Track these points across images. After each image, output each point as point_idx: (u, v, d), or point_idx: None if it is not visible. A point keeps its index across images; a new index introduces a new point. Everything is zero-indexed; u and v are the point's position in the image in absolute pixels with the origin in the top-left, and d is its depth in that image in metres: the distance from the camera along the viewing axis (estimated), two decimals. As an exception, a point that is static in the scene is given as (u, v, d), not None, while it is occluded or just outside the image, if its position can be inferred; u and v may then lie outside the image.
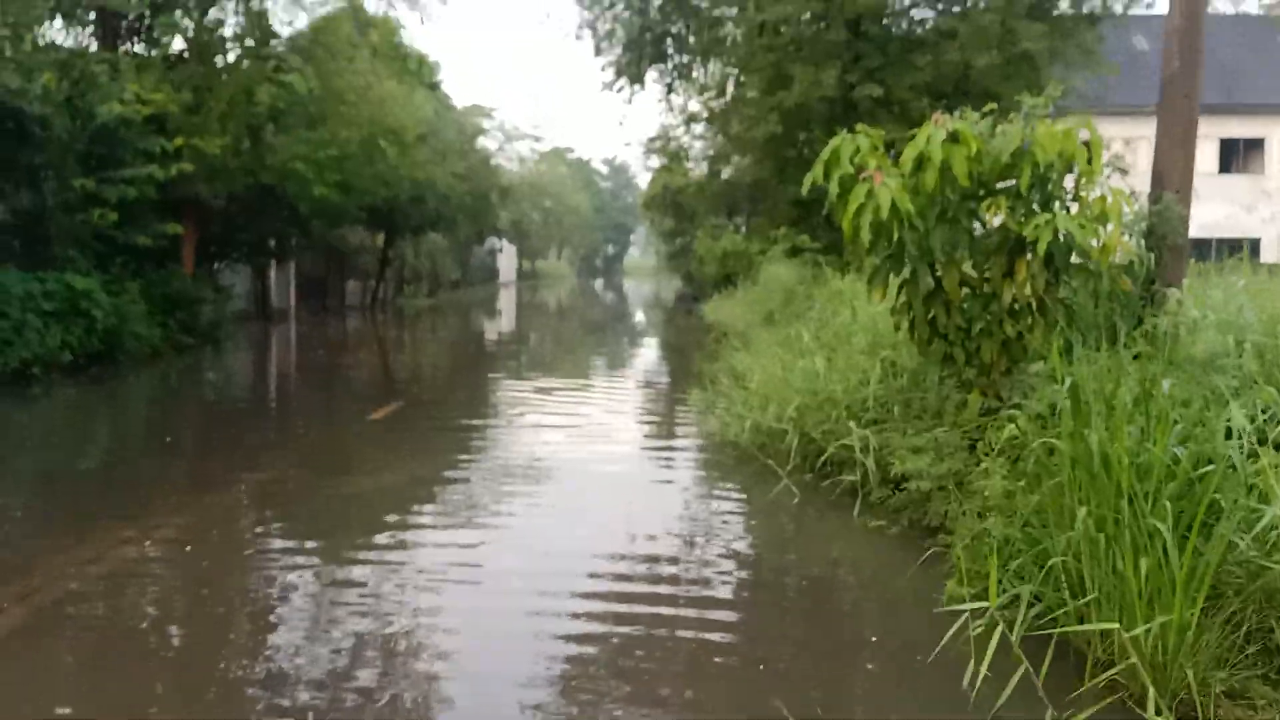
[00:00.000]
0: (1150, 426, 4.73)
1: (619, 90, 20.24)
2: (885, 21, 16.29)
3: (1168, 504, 4.17)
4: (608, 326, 30.86)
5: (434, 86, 29.45)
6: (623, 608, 5.06)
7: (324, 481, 7.81)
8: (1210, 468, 4.24)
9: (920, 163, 6.51)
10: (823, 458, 7.57)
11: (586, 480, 8.21)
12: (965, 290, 6.88)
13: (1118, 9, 17.16)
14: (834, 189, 6.82)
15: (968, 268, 6.98)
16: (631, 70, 19.87)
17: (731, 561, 6.11)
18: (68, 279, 12.89)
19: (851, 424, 7.17)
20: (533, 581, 5.36)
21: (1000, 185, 6.67)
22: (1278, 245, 32.52)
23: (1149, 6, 17.88)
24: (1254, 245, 30.12)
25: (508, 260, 63.17)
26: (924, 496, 6.16)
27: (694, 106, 21.60)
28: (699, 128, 21.87)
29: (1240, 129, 31.78)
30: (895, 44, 15.72)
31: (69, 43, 16.97)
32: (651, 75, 20.41)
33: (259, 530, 6.47)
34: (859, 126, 6.97)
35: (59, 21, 17.01)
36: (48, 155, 12.25)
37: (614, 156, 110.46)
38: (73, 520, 6.49)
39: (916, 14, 16.84)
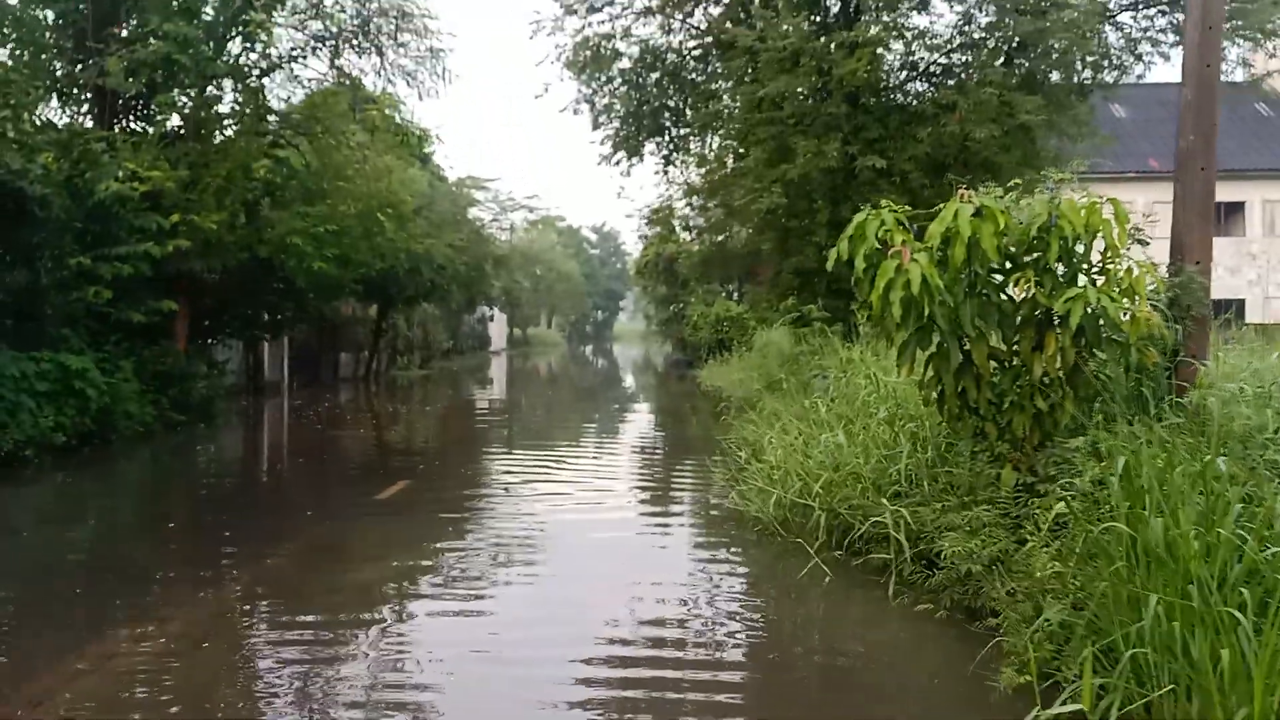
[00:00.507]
0: (1210, 507, 4.59)
1: (616, 163, 20.38)
2: (883, 95, 16.49)
3: (1244, 590, 4.02)
4: (605, 394, 30.70)
5: (426, 159, 29.61)
6: (655, 695, 4.84)
7: (342, 568, 7.55)
8: (1280, 550, 4.10)
9: (947, 238, 6.45)
10: (851, 535, 7.40)
11: (607, 559, 7.98)
12: (994, 364, 6.79)
13: (1108, 79, 17.45)
14: (860, 264, 6.73)
15: (996, 341, 6.90)
16: (629, 144, 20.02)
17: (776, 647, 5.89)
18: (62, 358, 12.68)
19: (883, 500, 7.00)
20: (554, 668, 5.13)
21: (1026, 259, 6.62)
22: (1262, 307, 32.92)
23: (1140, 78, 18.15)
24: (1239, 306, 30.45)
25: (499, 328, 63.20)
26: (964, 577, 5.97)
27: (692, 178, 21.75)
28: (696, 198, 21.93)
29: (1221, 193, 32.26)
30: (895, 116, 15.88)
31: (64, 121, 16.99)
32: (649, 147, 20.58)
33: (274, 623, 6.18)
34: (883, 201, 6.91)
35: (55, 100, 17.07)
36: (46, 234, 12.13)
37: (603, 223, 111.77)
38: (80, 616, 6.22)
39: (913, 88, 17.07)
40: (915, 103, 16.69)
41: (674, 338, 47.19)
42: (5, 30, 15.75)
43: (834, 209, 15.87)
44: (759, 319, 23.06)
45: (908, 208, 6.93)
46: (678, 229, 25.60)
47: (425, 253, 25.21)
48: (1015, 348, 6.78)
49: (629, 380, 39.45)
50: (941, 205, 6.75)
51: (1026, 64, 16.82)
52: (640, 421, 22.07)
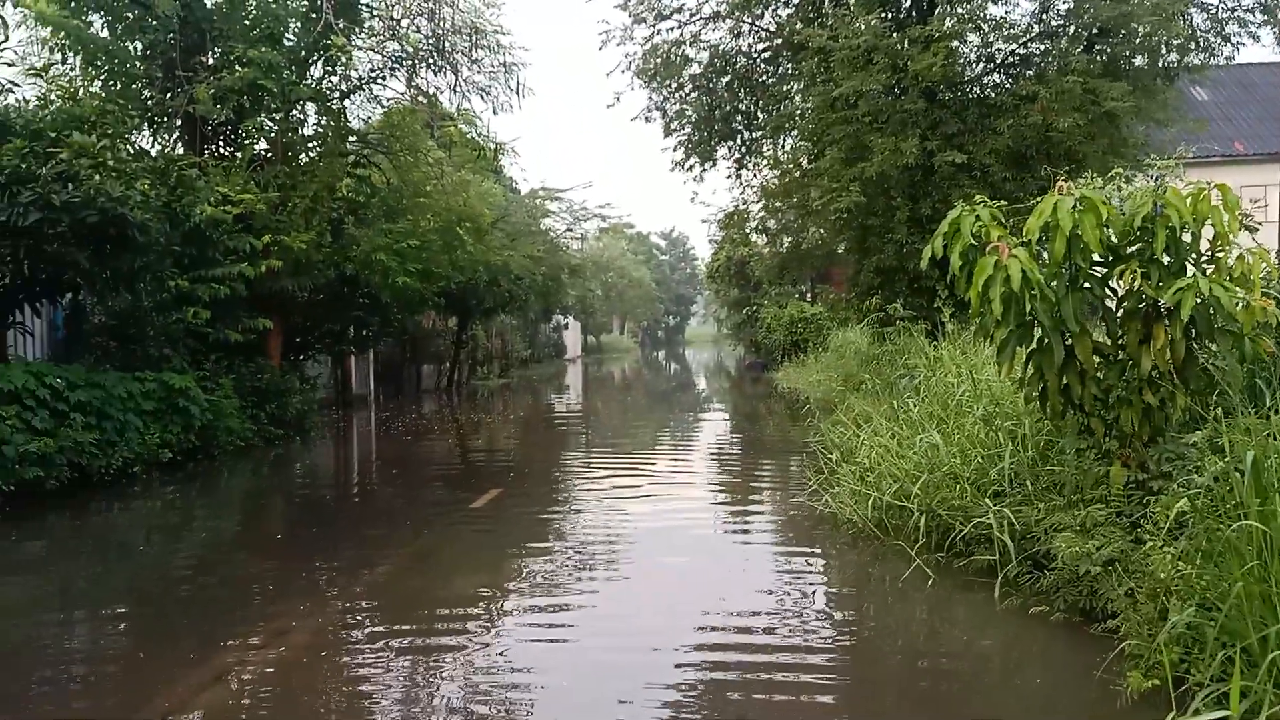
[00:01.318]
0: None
1: (689, 169, 20.41)
2: (960, 89, 16.24)
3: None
4: (682, 398, 30.72)
5: (499, 171, 29.99)
6: (755, 696, 4.84)
7: (443, 576, 7.70)
8: None
9: (1046, 231, 6.35)
10: (951, 536, 7.31)
11: (696, 563, 8.00)
12: (1099, 359, 6.65)
13: (1195, 62, 16.94)
14: (956, 261, 6.66)
15: (1100, 335, 6.76)
16: (701, 149, 20.05)
17: (884, 651, 5.85)
18: (165, 377, 13.14)
19: (986, 501, 6.90)
20: (649, 671, 5.17)
21: (1130, 250, 6.46)
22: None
23: (1229, 60, 17.57)
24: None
25: (573, 336, 63.67)
26: (1078, 578, 5.85)
27: (766, 180, 21.65)
28: (770, 201, 21.85)
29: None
30: (973, 110, 15.62)
31: (156, 149, 17.63)
32: (721, 152, 20.56)
33: (380, 631, 6.33)
34: (978, 196, 6.82)
35: (147, 129, 17.73)
36: (147, 259, 12.57)
37: (671, 229, 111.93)
38: (198, 628, 6.45)
39: (991, 80, 16.78)
40: (994, 95, 16.39)
41: (747, 341, 47.02)
42: (99, 62, 16.40)
43: (913, 206, 15.68)
44: (837, 320, 22.87)
45: (1001, 202, 6.83)
46: (750, 232, 25.50)
47: (503, 264, 25.56)
48: (1121, 341, 6.64)
49: (704, 384, 39.40)
50: (1034, 199, 6.65)
51: (1109, 50, 16.42)
52: (719, 424, 22.04)
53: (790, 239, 23.56)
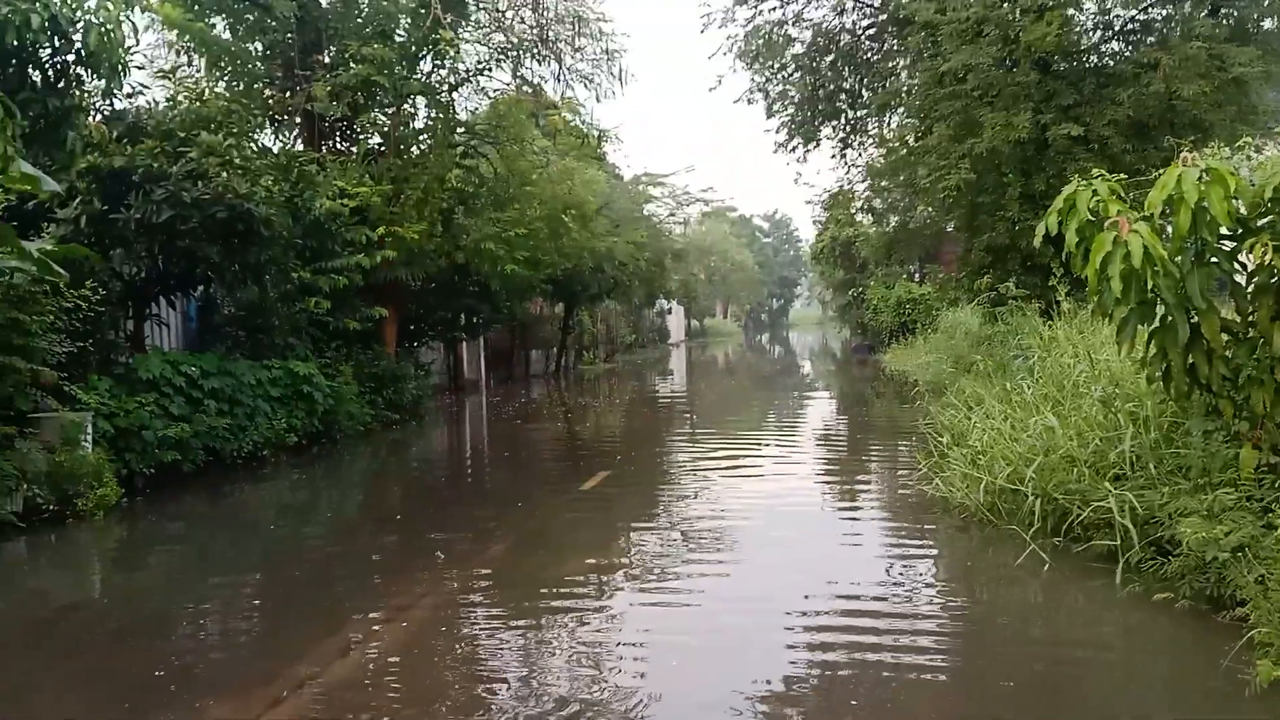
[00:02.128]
0: None
1: (792, 150, 20.23)
2: (1075, 58, 15.67)
3: None
4: (787, 381, 30.52)
5: (602, 159, 30.21)
6: (868, 682, 4.84)
7: (556, 559, 7.90)
8: None
9: (1169, 204, 6.13)
10: (1068, 521, 7.14)
11: (804, 546, 8.00)
12: (1227, 337, 6.39)
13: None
14: (1072, 238, 6.48)
15: (1229, 312, 6.50)
16: (805, 130, 19.83)
17: (1002, 637, 5.76)
18: (290, 365, 13.75)
19: (1106, 484, 6.72)
20: (779, 655, 5.22)
21: (1261, 222, 6.19)
22: None
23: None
24: None
25: (677, 320, 63.81)
26: (1204, 564, 5.66)
27: (872, 159, 21.32)
28: (876, 180, 21.49)
29: None
30: (1090, 80, 15.05)
31: (277, 146, 18.37)
32: (825, 132, 20.31)
33: (497, 609, 6.55)
34: (1095, 170, 6.62)
35: (268, 127, 18.48)
36: (271, 252, 13.15)
37: (774, 211, 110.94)
38: (326, 602, 6.77)
39: (1109, 48, 16.14)
40: (1112, 64, 15.75)
41: (853, 323, 46.36)
42: (222, 64, 17.17)
43: (1026, 182, 15.22)
44: (947, 300, 22.36)
45: (1121, 175, 6.62)
46: (856, 212, 25.14)
47: (607, 251, 25.82)
48: (1251, 319, 6.36)
49: (810, 367, 39.03)
50: (1156, 171, 6.42)
51: (1236, 12, 15.62)
52: (826, 408, 21.86)
53: (897, 218, 23.13)
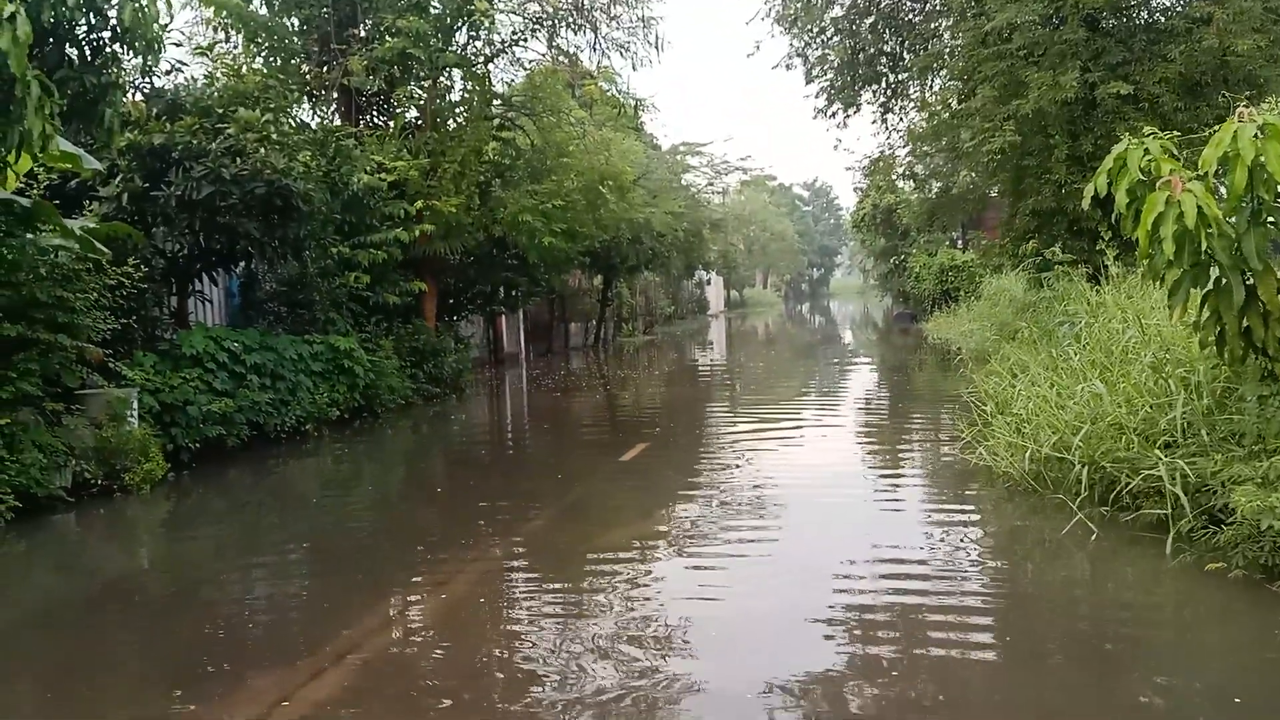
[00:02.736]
0: None
1: (832, 115, 19.88)
2: (1125, 14, 15.20)
3: None
4: (828, 351, 30.28)
5: (639, 129, 30.00)
6: (913, 654, 4.76)
7: (596, 530, 7.90)
8: None
9: (1225, 162, 5.91)
10: (1116, 489, 6.99)
11: (846, 515, 7.90)
12: (1285, 299, 6.18)
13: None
14: (1122, 198, 6.29)
15: (1286, 274, 6.28)
16: (845, 95, 19.47)
17: (1050, 606, 5.65)
18: (331, 340, 13.84)
19: (1156, 452, 6.55)
20: (794, 626, 5.16)
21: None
22: None
23: None
24: None
25: (716, 291, 63.54)
26: (1259, 533, 5.50)
27: (914, 123, 20.90)
28: (918, 145, 21.07)
29: None
30: (1140, 37, 14.60)
31: (315, 121, 18.44)
32: (865, 96, 19.94)
33: (537, 580, 6.56)
34: (1147, 129, 6.41)
35: (306, 102, 18.54)
36: (310, 227, 13.21)
37: (814, 179, 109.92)
38: (369, 574, 6.82)
39: (1159, 3, 15.63)
40: (1163, 19, 15.26)
41: (894, 291, 45.84)
42: (259, 39, 17.21)
43: (1073, 143, 14.83)
44: (991, 266, 21.97)
45: (1174, 133, 6.40)
46: (897, 178, 24.70)
47: (645, 222, 25.67)
48: (1310, 280, 6.15)
49: (851, 337, 38.71)
50: (1209, 130, 6.20)
51: (1294, -37, 15.05)
52: (867, 377, 21.64)
53: (939, 184, 22.70)
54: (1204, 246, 5.89)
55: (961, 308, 32.28)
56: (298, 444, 12.41)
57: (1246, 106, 6.14)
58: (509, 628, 5.58)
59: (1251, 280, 6.10)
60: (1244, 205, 6.01)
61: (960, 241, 37.68)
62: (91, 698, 4.77)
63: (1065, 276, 14.79)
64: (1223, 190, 6.11)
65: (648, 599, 5.90)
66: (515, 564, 6.99)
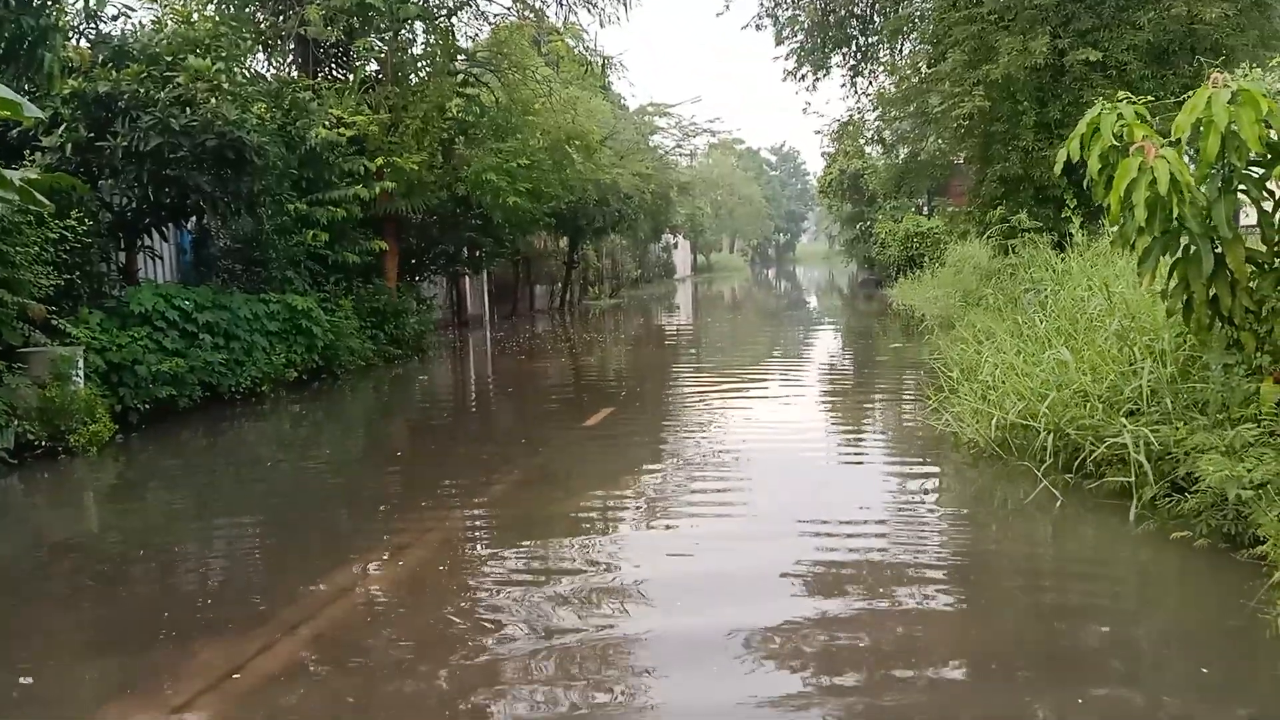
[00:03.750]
0: None
1: (801, 78, 19.66)
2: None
3: None
4: (794, 316, 30.29)
5: (607, 88, 29.57)
6: (874, 627, 4.69)
7: (562, 493, 7.76)
8: None
9: (1197, 128, 5.82)
10: (1080, 457, 6.96)
11: (814, 482, 7.83)
12: (1252, 268, 6.13)
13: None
14: (1093, 164, 6.19)
15: (1254, 242, 6.22)
16: (815, 57, 19.26)
17: (1014, 574, 5.61)
18: (288, 299, 13.52)
19: (1122, 420, 6.51)
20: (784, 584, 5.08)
21: (1292, 147, 5.89)
22: None
23: None
24: None
25: (683, 255, 63.31)
26: (1221, 501, 5.47)
27: (884, 86, 20.75)
28: (887, 110, 20.94)
29: None
30: (1109, 3, 14.51)
31: (271, 73, 17.91)
32: (835, 60, 19.74)
33: (501, 545, 6.42)
34: (1119, 94, 6.30)
35: (261, 53, 17.99)
36: (265, 182, 12.84)
37: (782, 144, 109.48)
38: (325, 540, 6.64)
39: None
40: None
41: (860, 257, 45.88)
42: (210, -17, 16.63)
43: (1041, 110, 14.77)
44: (958, 233, 21.96)
45: (1149, 98, 6.29)
46: (865, 143, 24.57)
47: (612, 183, 25.37)
48: (1278, 248, 6.10)
49: (817, 302, 38.76)
50: (1176, 98, 6.12)
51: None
52: (833, 343, 21.63)
53: (907, 149, 22.59)
54: (1175, 214, 5.79)
55: (926, 274, 32.40)
56: (253, 405, 12.13)
57: (1220, 72, 6.03)
58: (469, 595, 5.43)
59: (1220, 249, 6.04)
60: (1215, 172, 5.93)
61: (926, 208, 37.70)
62: (29, 670, 4.56)
63: (1031, 244, 14.76)
64: (1194, 156, 6.02)
65: (609, 570, 5.78)
66: (477, 530, 6.84)
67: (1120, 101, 6.21)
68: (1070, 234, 13.79)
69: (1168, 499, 6.03)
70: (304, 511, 7.53)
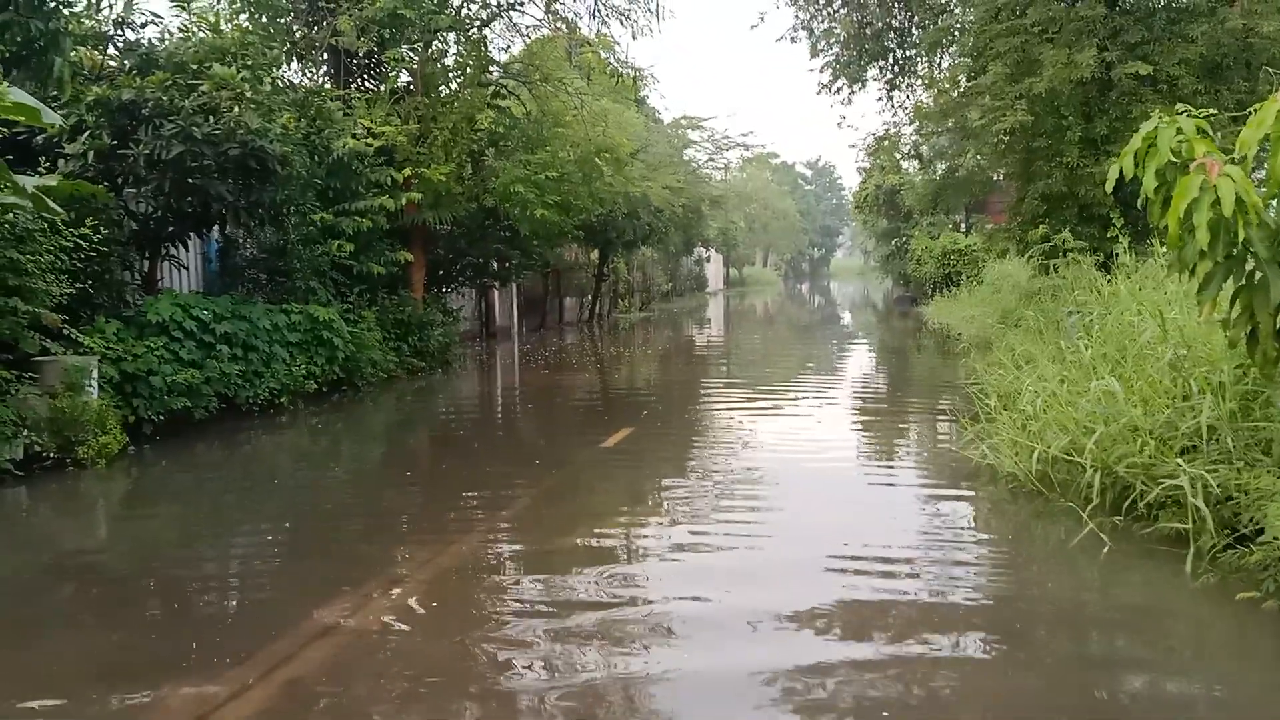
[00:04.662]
0: None
1: (837, 91, 19.28)
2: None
3: None
4: (827, 333, 29.79)
5: (641, 101, 29.36)
6: (905, 682, 4.28)
7: (582, 517, 7.40)
8: None
9: (1265, 144, 5.37)
10: (1130, 497, 6.50)
11: (851, 517, 7.41)
12: (1325, 298, 5.66)
13: None
14: (1149, 182, 5.75)
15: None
16: (850, 70, 18.86)
17: (1059, 631, 5.14)
18: (310, 310, 13.31)
19: (1180, 461, 6.05)
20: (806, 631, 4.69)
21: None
22: None
23: None
24: None
25: (715, 269, 62.94)
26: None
27: (921, 99, 20.32)
28: (925, 124, 20.48)
29: None
30: (1160, 15, 14.01)
31: (305, 83, 17.79)
32: (871, 73, 19.33)
33: (515, 569, 6.07)
34: (1179, 107, 5.87)
35: (295, 64, 17.91)
36: (290, 191, 12.67)
37: (817, 158, 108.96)
38: (335, 562, 6.33)
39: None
40: (1186, -1, 14.67)
41: (895, 273, 45.29)
42: (244, -5, 16.55)
43: (1087, 125, 14.28)
44: (997, 251, 21.43)
45: (1210, 111, 5.86)
46: (901, 158, 24.15)
47: (642, 196, 25.06)
48: (1353, 277, 5.63)
49: (851, 319, 38.20)
50: (1230, 114, 5.69)
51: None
52: (865, 363, 21.13)
53: (945, 165, 22.11)
54: (1241, 237, 5.35)
55: (963, 292, 31.81)
56: (271, 418, 11.91)
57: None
58: (489, 617, 5.07)
59: (1289, 275, 5.58)
60: (1285, 194, 5.48)
61: (964, 225, 37.09)
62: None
63: (1074, 264, 14.25)
64: (1262, 175, 5.57)
65: (625, 605, 5.41)
66: (491, 556, 6.49)
67: (1179, 114, 5.78)
68: (1115, 254, 13.30)
69: (1231, 550, 5.57)
70: (314, 533, 7.23)
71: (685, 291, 50.72)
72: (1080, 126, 14.06)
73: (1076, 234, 15.34)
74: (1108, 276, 12.25)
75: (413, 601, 5.43)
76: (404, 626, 5.07)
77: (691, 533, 6.93)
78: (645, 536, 6.91)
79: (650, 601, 5.41)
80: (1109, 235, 14.23)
